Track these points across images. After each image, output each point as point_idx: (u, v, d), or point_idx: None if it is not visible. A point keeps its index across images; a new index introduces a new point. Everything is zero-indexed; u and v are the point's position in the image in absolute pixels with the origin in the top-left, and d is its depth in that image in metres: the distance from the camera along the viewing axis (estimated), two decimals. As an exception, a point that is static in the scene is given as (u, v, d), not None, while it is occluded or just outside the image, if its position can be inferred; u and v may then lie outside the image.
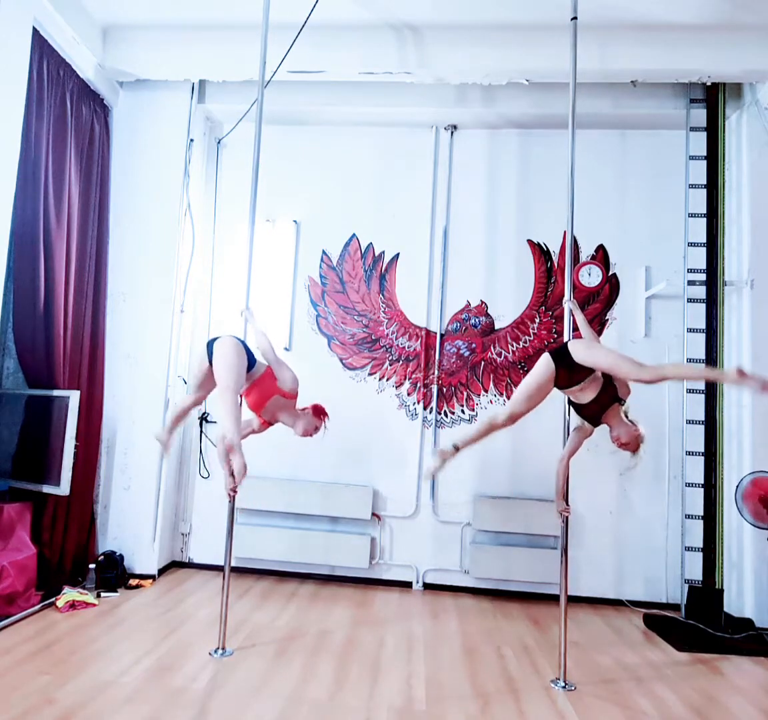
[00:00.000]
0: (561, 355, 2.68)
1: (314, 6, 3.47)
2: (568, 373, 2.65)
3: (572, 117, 3.15)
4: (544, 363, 2.71)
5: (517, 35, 3.75)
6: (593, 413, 2.74)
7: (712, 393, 3.86)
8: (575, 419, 2.88)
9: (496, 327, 4.29)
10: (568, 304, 3.05)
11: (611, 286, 4.24)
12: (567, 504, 2.88)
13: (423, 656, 2.96)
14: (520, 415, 2.73)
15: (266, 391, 2.87)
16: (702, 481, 3.83)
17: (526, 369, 4.23)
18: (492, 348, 4.27)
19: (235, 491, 2.92)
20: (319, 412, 2.98)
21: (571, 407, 2.87)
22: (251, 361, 2.88)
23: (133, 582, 3.77)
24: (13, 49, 3.13)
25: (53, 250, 3.50)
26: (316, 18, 3.51)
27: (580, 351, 2.65)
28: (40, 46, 3.37)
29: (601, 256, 4.26)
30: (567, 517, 2.88)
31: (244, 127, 4.27)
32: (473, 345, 4.29)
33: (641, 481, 4.07)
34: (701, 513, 3.80)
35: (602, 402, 2.70)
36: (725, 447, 3.85)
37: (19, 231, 3.36)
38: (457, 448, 2.76)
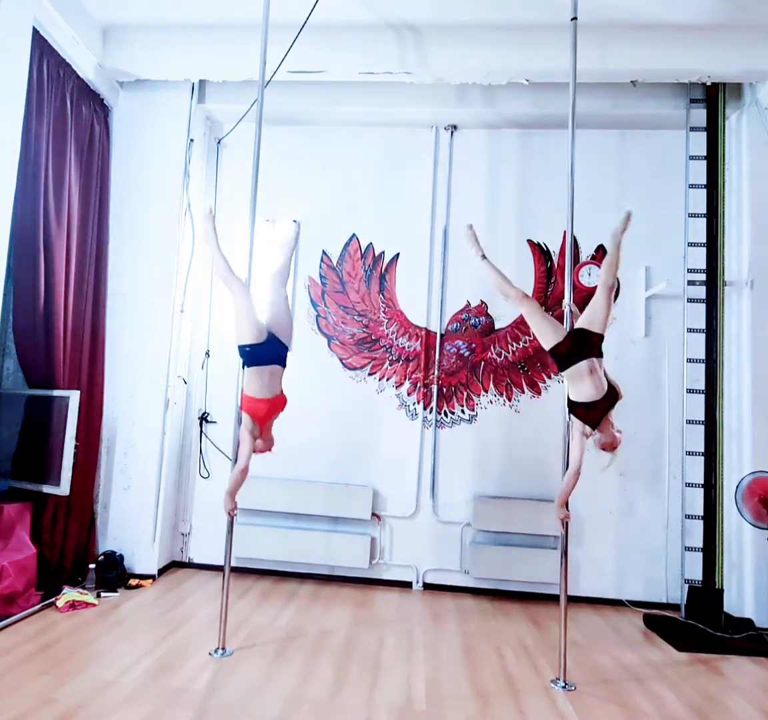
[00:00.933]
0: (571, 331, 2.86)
1: (314, 6, 3.46)
2: (572, 345, 2.77)
3: (572, 117, 3.15)
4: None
5: (517, 35, 3.75)
6: (598, 415, 2.73)
7: (712, 393, 3.86)
8: (576, 425, 2.84)
9: (496, 327, 4.29)
10: (568, 307, 3.03)
11: (611, 286, 4.23)
12: (567, 510, 2.88)
13: (423, 656, 2.96)
14: (519, 298, 2.92)
15: (279, 403, 2.97)
16: (702, 481, 3.83)
17: (526, 369, 4.24)
18: (492, 348, 4.27)
19: (232, 515, 2.95)
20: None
21: (572, 412, 2.82)
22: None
23: (133, 582, 3.77)
24: (13, 49, 3.13)
25: (53, 250, 3.50)
26: (316, 18, 3.51)
27: (583, 315, 2.88)
28: (40, 46, 3.37)
29: (601, 256, 4.25)
30: (567, 523, 2.88)
31: (244, 127, 4.27)
32: (473, 345, 4.29)
33: (641, 481, 4.08)
34: (701, 513, 3.80)
35: (607, 403, 2.74)
36: (725, 447, 3.85)
37: (19, 231, 3.36)
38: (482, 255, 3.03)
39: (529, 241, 4.33)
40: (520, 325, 4.27)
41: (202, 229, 3.05)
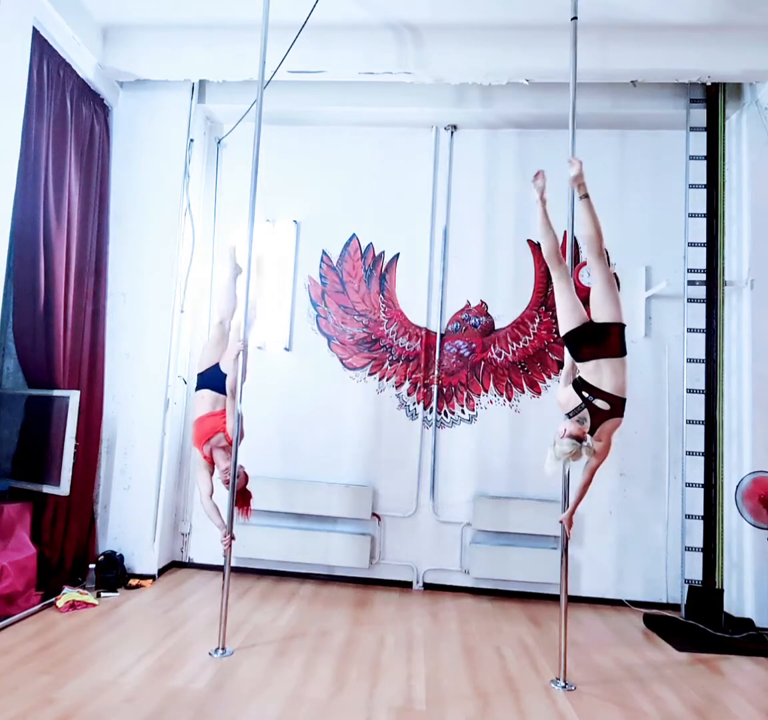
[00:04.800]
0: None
1: (314, 6, 3.46)
2: (587, 343, 2.72)
3: (572, 117, 3.16)
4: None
5: (517, 35, 3.75)
6: (602, 420, 2.69)
7: (712, 393, 3.86)
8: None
9: (496, 327, 4.29)
10: None
11: (611, 286, 4.23)
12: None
13: (423, 656, 2.96)
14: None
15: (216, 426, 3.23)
16: (702, 481, 3.83)
17: (526, 369, 4.24)
18: (492, 348, 4.27)
19: (228, 543, 2.97)
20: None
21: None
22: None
23: (133, 582, 3.77)
24: (13, 49, 3.13)
25: (53, 250, 3.50)
26: (316, 18, 3.51)
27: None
28: (40, 46, 3.37)
29: (601, 256, 4.25)
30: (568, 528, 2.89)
31: (244, 127, 4.27)
32: (473, 345, 4.29)
33: (641, 481, 4.07)
34: (701, 513, 3.80)
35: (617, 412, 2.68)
36: (725, 447, 3.85)
37: (19, 231, 3.36)
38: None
39: (529, 241, 4.33)
40: (520, 325, 4.27)
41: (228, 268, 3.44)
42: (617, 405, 2.65)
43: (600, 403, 2.63)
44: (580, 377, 2.72)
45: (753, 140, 3.93)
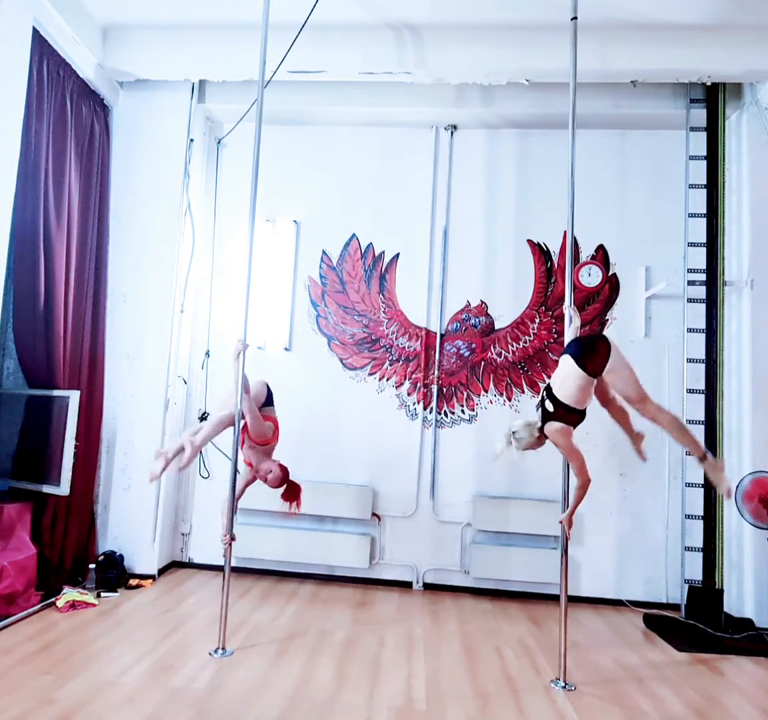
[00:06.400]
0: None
1: (314, 6, 3.46)
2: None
3: (572, 117, 3.15)
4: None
5: (517, 35, 3.75)
6: (546, 420, 2.79)
7: (712, 393, 3.86)
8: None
9: (496, 327, 4.29)
10: (569, 310, 3.04)
11: (611, 286, 4.24)
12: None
13: (423, 656, 2.96)
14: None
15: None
16: (702, 481, 3.82)
17: (526, 369, 4.24)
18: (492, 348, 4.27)
19: (228, 543, 2.96)
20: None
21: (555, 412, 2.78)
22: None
23: (133, 582, 3.77)
24: (13, 49, 3.13)
25: (53, 250, 3.50)
26: (316, 18, 3.51)
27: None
28: (40, 46, 3.37)
29: (601, 256, 4.26)
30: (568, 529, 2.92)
31: (244, 127, 4.27)
32: (473, 345, 4.29)
33: (641, 481, 4.07)
34: (701, 513, 3.80)
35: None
36: (725, 447, 3.85)
37: (19, 231, 3.36)
38: None
39: (529, 241, 4.33)
40: (520, 325, 4.27)
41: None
42: (561, 412, 2.73)
43: (547, 404, 2.77)
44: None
45: (753, 140, 3.93)
